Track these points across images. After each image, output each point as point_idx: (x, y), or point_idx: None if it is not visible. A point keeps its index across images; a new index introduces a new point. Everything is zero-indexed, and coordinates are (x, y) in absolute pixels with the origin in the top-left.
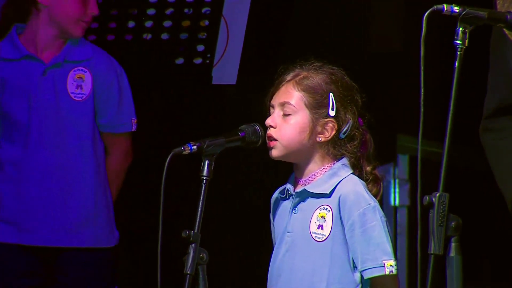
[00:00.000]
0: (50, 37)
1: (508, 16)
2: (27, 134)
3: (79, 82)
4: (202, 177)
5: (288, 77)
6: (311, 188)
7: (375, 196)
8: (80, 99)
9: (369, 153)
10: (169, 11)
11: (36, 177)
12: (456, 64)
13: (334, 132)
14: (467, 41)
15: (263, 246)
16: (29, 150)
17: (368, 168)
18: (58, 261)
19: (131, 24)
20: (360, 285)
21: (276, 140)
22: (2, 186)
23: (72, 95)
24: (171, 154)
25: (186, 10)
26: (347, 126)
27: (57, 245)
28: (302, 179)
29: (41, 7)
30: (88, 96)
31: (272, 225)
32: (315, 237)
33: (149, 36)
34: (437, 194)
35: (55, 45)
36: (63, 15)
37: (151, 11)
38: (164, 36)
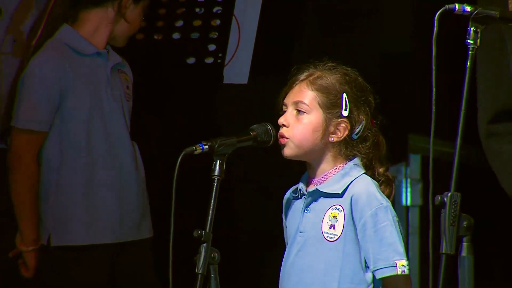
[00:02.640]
0: (106, 42)
1: None
2: (90, 131)
3: (126, 83)
4: (214, 177)
5: (302, 77)
6: (323, 188)
7: (387, 197)
8: (128, 99)
9: (382, 154)
10: (180, 10)
11: (104, 175)
12: (468, 63)
13: (346, 133)
14: (478, 40)
15: (275, 245)
16: (94, 147)
17: (381, 170)
18: (122, 256)
19: (142, 24)
20: (372, 285)
21: (288, 139)
22: (72, 189)
23: (126, 95)
24: (182, 154)
25: (197, 9)
26: (359, 127)
27: (127, 239)
28: (314, 179)
29: (123, 19)
30: (130, 97)
31: (284, 225)
32: (327, 237)
33: (161, 36)
34: (449, 194)
35: None
36: (131, 31)
37: (162, 11)
38: (176, 35)
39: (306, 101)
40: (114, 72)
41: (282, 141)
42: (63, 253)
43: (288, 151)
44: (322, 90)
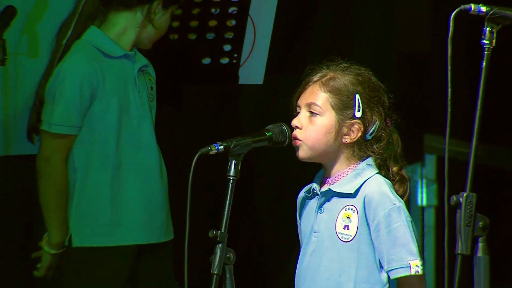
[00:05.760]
0: (133, 45)
1: None
2: (119, 133)
3: (150, 84)
4: (229, 177)
5: (315, 78)
6: (336, 188)
7: (401, 196)
8: (152, 100)
9: (396, 153)
10: (195, 10)
11: (131, 176)
12: (483, 63)
13: (360, 134)
14: (494, 40)
15: (290, 245)
16: (122, 149)
17: (395, 169)
18: (147, 257)
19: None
20: (388, 285)
21: (301, 140)
22: (99, 190)
23: (150, 96)
24: (198, 154)
25: (213, 10)
26: (373, 128)
27: (158, 240)
28: (328, 179)
29: (151, 25)
30: (154, 98)
31: (298, 224)
32: (341, 237)
33: (176, 36)
34: (464, 194)
35: None
36: (158, 35)
37: (178, 12)
38: (191, 36)
39: (319, 102)
40: (139, 74)
41: (296, 143)
42: (85, 254)
43: (302, 154)
44: (334, 91)
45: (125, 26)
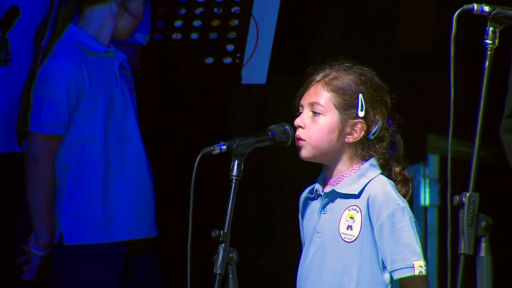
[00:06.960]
0: (111, 39)
1: None
2: (107, 130)
3: (129, 79)
4: (232, 177)
5: (318, 77)
6: (339, 189)
7: (404, 197)
8: (132, 95)
9: (398, 154)
10: (198, 10)
11: (121, 171)
12: (486, 63)
13: (362, 133)
14: (497, 40)
15: (292, 246)
16: (110, 145)
17: (397, 169)
18: (136, 254)
19: (160, 23)
20: (390, 286)
21: (304, 140)
22: (90, 188)
23: (130, 91)
24: (200, 154)
25: (215, 9)
26: (376, 127)
27: (149, 235)
28: (331, 179)
29: (127, 13)
30: (133, 92)
31: (300, 226)
32: (344, 237)
33: (179, 35)
34: (467, 194)
35: None
36: (135, 23)
37: (180, 11)
38: (194, 35)
39: (321, 102)
40: (120, 70)
41: (299, 143)
42: (80, 251)
43: (305, 153)
44: (337, 91)
45: (103, 20)
